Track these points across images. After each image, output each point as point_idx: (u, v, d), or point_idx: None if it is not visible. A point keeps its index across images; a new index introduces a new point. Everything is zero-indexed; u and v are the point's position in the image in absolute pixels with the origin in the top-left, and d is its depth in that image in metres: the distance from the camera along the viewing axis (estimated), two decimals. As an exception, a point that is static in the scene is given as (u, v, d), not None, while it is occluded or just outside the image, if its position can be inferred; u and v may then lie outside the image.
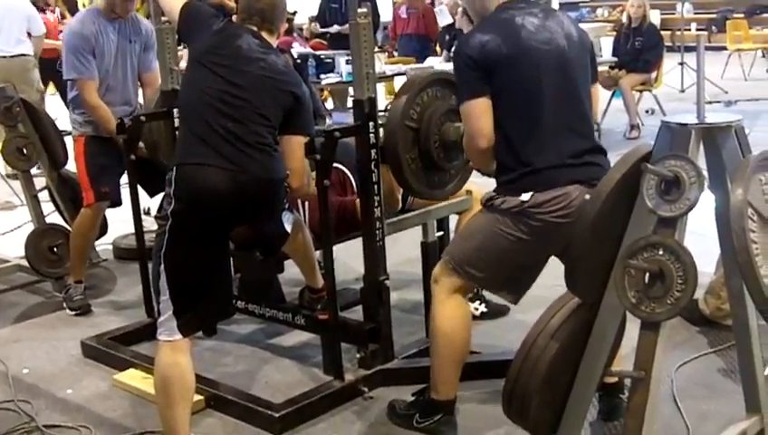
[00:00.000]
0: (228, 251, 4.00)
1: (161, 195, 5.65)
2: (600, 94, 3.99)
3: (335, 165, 4.42)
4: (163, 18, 4.85)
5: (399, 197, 4.73)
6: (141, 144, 5.30)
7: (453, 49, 3.77)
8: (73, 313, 5.57)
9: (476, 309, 5.02)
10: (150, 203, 6.03)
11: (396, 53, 12.22)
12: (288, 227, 4.18)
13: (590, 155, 3.59)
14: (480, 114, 3.56)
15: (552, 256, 3.68)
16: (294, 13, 11.75)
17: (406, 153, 4.16)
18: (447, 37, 10.63)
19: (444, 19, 11.75)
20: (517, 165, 3.56)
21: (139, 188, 5.13)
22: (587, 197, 3.46)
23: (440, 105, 4.20)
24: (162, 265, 3.65)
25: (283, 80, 3.84)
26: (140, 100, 5.86)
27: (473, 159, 3.99)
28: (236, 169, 3.67)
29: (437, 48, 11.91)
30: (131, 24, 5.61)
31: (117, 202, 5.71)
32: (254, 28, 3.91)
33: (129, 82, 5.66)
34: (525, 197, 3.53)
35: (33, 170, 6.17)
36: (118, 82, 5.58)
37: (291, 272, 4.97)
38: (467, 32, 3.97)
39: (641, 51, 10.71)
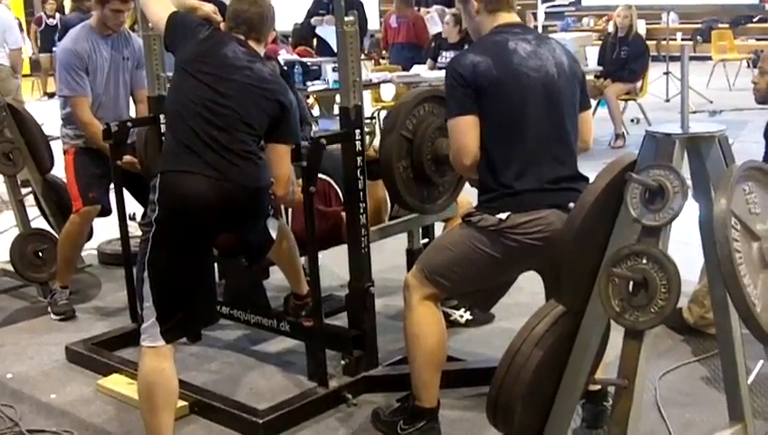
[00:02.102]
0: (212, 258, 4.00)
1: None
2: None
3: (320, 176, 4.42)
4: (150, 25, 4.85)
5: (386, 218, 4.73)
6: (137, 161, 5.33)
7: (447, 64, 3.77)
8: (58, 317, 5.56)
9: (462, 317, 5.03)
10: (136, 208, 6.03)
11: (383, 61, 12.20)
12: (273, 234, 4.18)
13: (569, 182, 3.62)
14: (466, 131, 3.60)
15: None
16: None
17: (398, 161, 4.17)
18: (433, 45, 10.63)
19: (435, 27, 11.75)
20: (497, 186, 3.61)
21: (124, 193, 5.12)
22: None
23: (435, 120, 4.22)
24: (146, 272, 3.65)
25: (269, 88, 3.84)
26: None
27: (459, 172, 4.08)
28: (220, 177, 3.67)
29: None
30: (124, 40, 5.64)
31: (107, 211, 5.69)
32: (241, 37, 3.92)
33: (121, 99, 5.69)
34: (503, 216, 3.57)
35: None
36: (110, 99, 5.61)
37: (276, 278, 4.97)
38: (462, 51, 3.99)
39: (627, 60, 10.75)
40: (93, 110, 5.52)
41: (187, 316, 3.74)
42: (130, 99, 5.80)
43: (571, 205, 3.48)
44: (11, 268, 5.95)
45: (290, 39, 12.37)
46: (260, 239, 4.16)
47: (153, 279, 3.64)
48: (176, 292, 3.68)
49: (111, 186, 5.47)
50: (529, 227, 3.55)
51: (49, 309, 5.64)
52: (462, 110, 3.60)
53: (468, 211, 3.75)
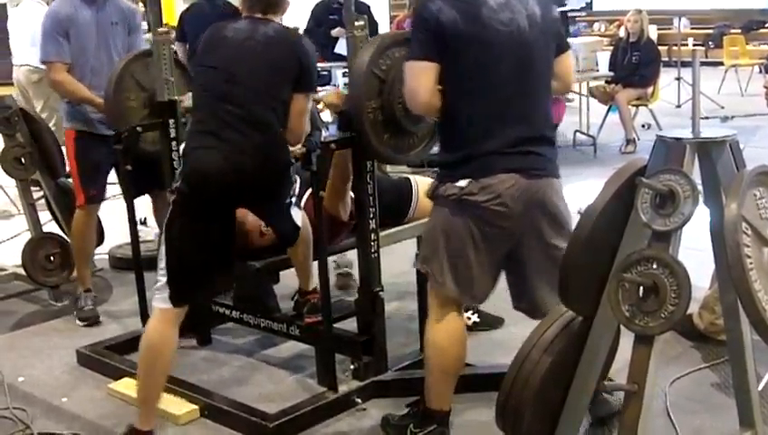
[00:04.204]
0: (232, 232, 4.01)
1: (147, 201, 5.68)
2: (572, 59, 3.92)
3: None
4: (159, 29, 4.86)
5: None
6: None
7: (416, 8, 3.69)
8: (83, 323, 5.54)
9: (468, 319, 5.01)
10: (146, 214, 6.03)
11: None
12: (298, 222, 4.21)
13: (532, 144, 3.55)
14: (419, 74, 3.51)
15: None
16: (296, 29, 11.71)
17: (368, 100, 4.04)
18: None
19: None
20: (457, 146, 3.57)
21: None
22: (530, 184, 3.53)
23: None
24: (164, 235, 3.88)
25: (276, 47, 3.93)
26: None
27: (419, 113, 3.87)
28: (235, 151, 3.83)
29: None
30: (111, 5, 5.53)
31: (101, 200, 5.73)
32: (259, 15, 4.01)
33: (115, 65, 5.55)
34: (463, 183, 3.53)
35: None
36: (102, 65, 5.47)
37: (286, 283, 4.97)
38: None
39: (638, 65, 10.73)
40: (88, 77, 5.44)
41: (196, 283, 3.95)
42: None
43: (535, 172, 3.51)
44: (23, 272, 5.97)
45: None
46: (287, 226, 4.23)
47: (168, 241, 3.88)
48: (187, 257, 3.87)
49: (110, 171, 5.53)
50: (488, 193, 3.50)
51: (74, 314, 5.63)
52: (420, 54, 3.51)
53: (433, 186, 3.69)
